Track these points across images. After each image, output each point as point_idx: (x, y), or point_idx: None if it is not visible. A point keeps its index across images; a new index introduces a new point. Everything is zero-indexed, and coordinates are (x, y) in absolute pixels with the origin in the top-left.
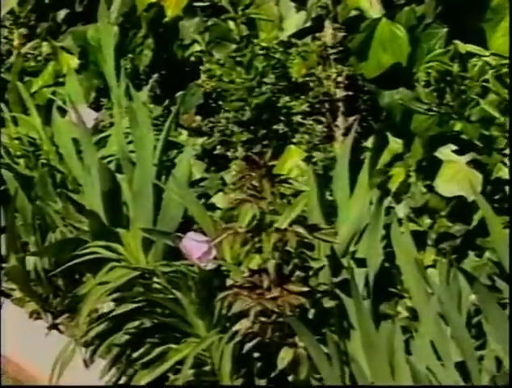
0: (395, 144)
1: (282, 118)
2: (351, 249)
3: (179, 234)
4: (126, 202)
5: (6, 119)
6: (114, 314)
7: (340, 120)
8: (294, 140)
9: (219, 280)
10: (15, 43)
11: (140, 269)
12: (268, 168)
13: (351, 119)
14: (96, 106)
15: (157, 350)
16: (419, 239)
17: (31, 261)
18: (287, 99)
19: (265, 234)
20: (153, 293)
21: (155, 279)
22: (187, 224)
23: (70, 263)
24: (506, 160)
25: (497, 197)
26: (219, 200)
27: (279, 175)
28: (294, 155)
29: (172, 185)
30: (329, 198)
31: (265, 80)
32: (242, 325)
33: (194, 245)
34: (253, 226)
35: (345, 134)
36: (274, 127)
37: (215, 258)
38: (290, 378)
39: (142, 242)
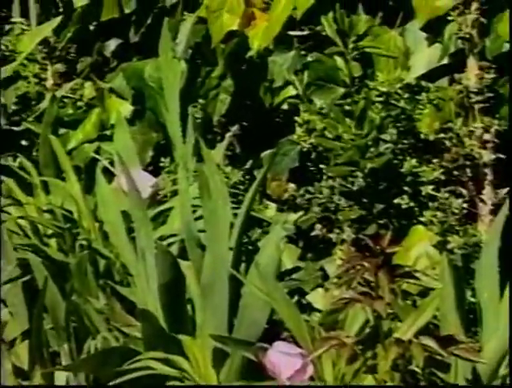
0: None
1: (406, 188)
2: (502, 372)
3: (263, 345)
4: (192, 299)
5: (34, 185)
6: None
7: (487, 193)
8: (422, 218)
9: None
10: (49, 83)
11: None
12: (386, 256)
13: (503, 191)
14: (154, 168)
15: None
16: None
17: (62, 378)
18: (413, 162)
19: (381, 346)
20: None
21: None
22: (274, 331)
23: (116, 382)
24: None
25: None
26: (318, 298)
27: (401, 267)
28: (422, 239)
29: (254, 277)
30: (471, 300)
31: (383, 136)
32: None
33: (283, 360)
34: (366, 336)
35: (493, 212)
36: (396, 200)
37: (311, 378)
38: None
39: (213, 355)
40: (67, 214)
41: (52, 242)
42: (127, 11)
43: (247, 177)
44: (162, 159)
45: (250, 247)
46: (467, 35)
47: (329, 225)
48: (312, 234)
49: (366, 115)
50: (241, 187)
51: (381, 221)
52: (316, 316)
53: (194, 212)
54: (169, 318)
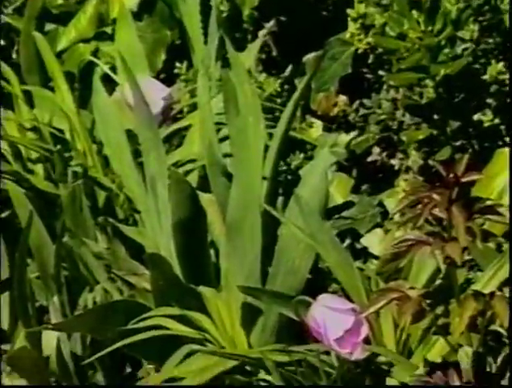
0: None
1: (489, 101)
2: None
3: (305, 298)
4: (215, 242)
5: (14, 96)
6: None
7: None
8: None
9: (373, 379)
10: None
11: (237, 357)
12: (462, 187)
13: None
14: (167, 75)
15: None
16: None
17: (51, 339)
18: (499, 67)
19: (455, 301)
20: None
21: (264, 375)
22: (320, 282)
23: (118, 345)
24: None
25: None
26: (375, 241)
27: (481, 200)
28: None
29: (295, 214)
30: None
31: (461, 34)
32: None
33: (330, 317)
34: (435, 288)
35: None
36: (476, 117)
37: (366, 341)
38: None
39: (242, 311)
40: (56, 133)
41: (38, 168)
42: None
43: (286, 87)
44: (177, 64)
45: (290, 177)
46: None
47: (390, 149)
48: (369, 159)
49: (439, 7)
50: (279, 99)
51: (457, 143)
52: (373, 263)
53: (218, 131)
54: (187, 265)
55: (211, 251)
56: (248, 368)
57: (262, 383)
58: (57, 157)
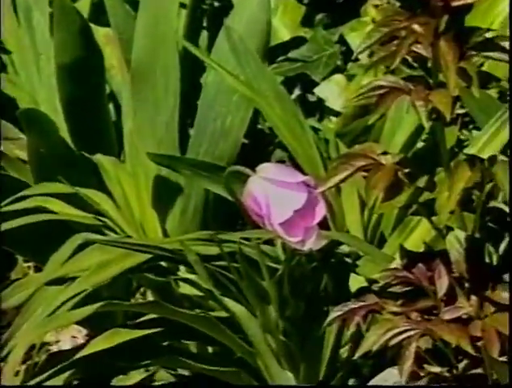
0: None
1: None
2: None
3: (241, 169)
4: (115, 94)
5: None
6: (86, 353)
7: None
8: None
9: (333, 276)
10: None
11: (148, 249)
12: (453, 15)
13: None
14: None
15: None
16: None
17: None
18: None
19: (444, 170)
20: (176, 302)
21: (184, 272)
22: (260, 147)
23: None
24: None
25: None
26: (334, 91)
27: (479, 32)
28: None
29: (224, 54)
30: None
31: None
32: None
33: (275, 194)
34: (416, 153)
35: None
36: None
37: (323, 225)
38: None
39: (154, 188)
40: None
41: None
42: None
43: None
44: None
45: (217, 3)
46: None
47: None
48: None
49: None
50: None
51: None
52: (332, 122)
53: None
54: (77, 127)
55: (111, 107)
56: (163, 264)
57: (182, 283)
58: None
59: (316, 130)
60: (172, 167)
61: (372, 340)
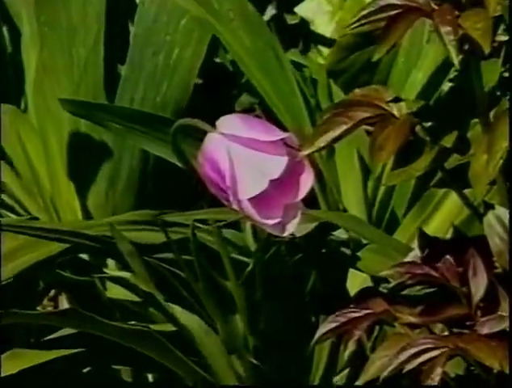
0: None
1: None
2: None
3: (194, 123)
4: (11, 15)
5: None
6: None
7: None
8: None
9: (325, 274)
10: None
11: (64, 236)
12: None
13: None
14: None
15: None
16: None
17: None
18: None
19: (483, 122)
20: (103, 311)
21: (114, 269)
22: (224, 91)
23: None
24: None
25: None
26: (322, 8)
27: None
28: None
29: None
30: None
31: None
32: None
33: (243, 157)
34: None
35: None
36: None
37: (309, 201)
38: None
39: (69, 150)
40: None
41: None
42: None
43: None
44: None
45: None
46: None
47: None
48: None
49: None
50: None
51: None
52: (322, 54)
53: None
54: None
55: (5, 33)
56: (84, 256)
57: (111, 284)
58: None
59: (299, 66)
60: (95, 120)
61: (380, 364)
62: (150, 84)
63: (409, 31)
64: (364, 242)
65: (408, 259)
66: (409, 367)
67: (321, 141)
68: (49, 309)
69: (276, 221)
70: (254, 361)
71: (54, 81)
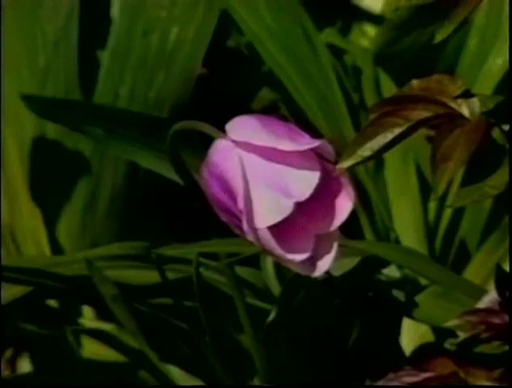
0: None
1: None
2: None
3: (198, 125)
4: None
5: None
6: None
7: None
8: None
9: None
10: None
11: (24, 276)
12: None
13: None
14: None
15: None
16: None
17: None
18: None
19: None
20: (78, 376)
21: (91, 319)
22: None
23: None
24: None
25: None
26: None
27: None
28: None
29: None
30: None
31: None
32: None
33: (260, 171)
34: None
35: None
36: None
37: (347, 227)
38: None
39: (32, 161)
40: None
41: None
42: None
43: None
44: None
45: None
46: None
47: None
48: None
49: None
50: None
51: None
52: (367, 36)
53: None
54: None
55: None
56: (52, 303)
57: (89, 339)
58: None
59: (337, 51)
60: (67, 122)
61: None
62: (140, 75)
63: (485, 2)
64: (424, 282)
65: (482, 305)
66: None
67: (366, 150)
68: (5, 373)
69: (305, 256)
70: None
71: (13, 71)
